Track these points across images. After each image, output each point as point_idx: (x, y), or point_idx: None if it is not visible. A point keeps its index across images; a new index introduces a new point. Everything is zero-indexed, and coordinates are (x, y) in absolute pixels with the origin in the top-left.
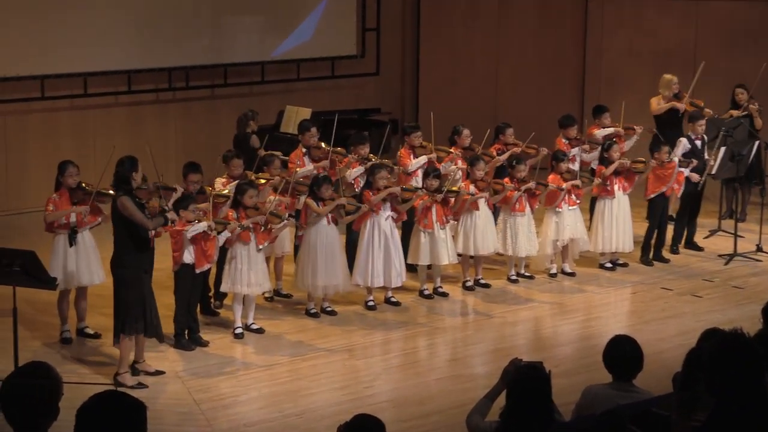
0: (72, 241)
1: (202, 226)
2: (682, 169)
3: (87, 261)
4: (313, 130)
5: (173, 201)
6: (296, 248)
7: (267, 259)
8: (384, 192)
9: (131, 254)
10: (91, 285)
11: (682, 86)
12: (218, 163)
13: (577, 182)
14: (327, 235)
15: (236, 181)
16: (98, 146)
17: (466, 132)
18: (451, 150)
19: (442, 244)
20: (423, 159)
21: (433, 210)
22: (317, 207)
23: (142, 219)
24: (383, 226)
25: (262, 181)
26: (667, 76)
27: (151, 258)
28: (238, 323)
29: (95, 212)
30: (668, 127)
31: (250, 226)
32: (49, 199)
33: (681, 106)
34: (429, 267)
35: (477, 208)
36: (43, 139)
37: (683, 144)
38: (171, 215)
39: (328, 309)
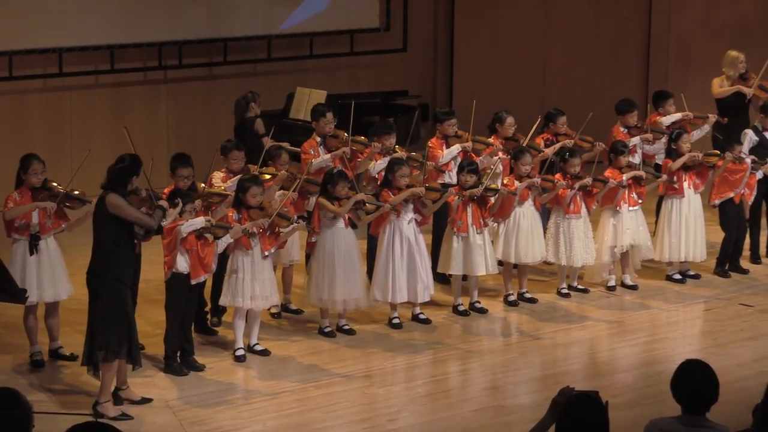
0: (33, 248)
1: (200, 221)
2: (754, 172)
3: (51, 272)
4: (329, 115)
5: (175, 214)
6: (307, 256)
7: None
8: (405, 193)
9: (114, 263)
10: (55, 301)
11: (756, 67)
12: (217, 155)
13: (640, 173)
14: (345, 240)
15: (236, 177)
16: (75, 135)
17: (509, 120)
18: (491, 141)
19: (478, 252)
20: (456, 148)
21: (469, 211)
22: (333, 206)
23: (141, 216)
24: (405, 231)
25: (267, 177)
26: (733, 53)
27: (137, 269)
28: (240, 343)
29: (60, 216)
30: (732, 113)
31: (254, 231)
32: (8, 197)
33: (748, 90)
34: (465, 278)
35: (525, 198)
36: (10, 126)
37: (749, 137)
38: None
39: (346, 327)
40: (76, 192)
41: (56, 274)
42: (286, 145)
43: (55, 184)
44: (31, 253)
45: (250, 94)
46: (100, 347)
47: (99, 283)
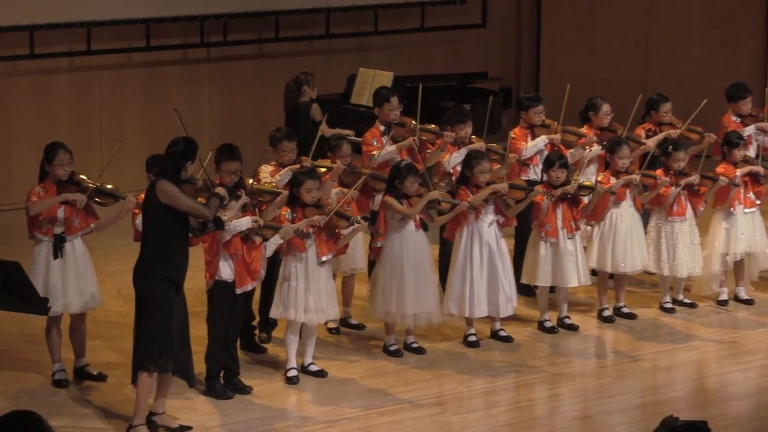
0: (58, 251)
1: (246, 222)
2: None
3: (77, 279)
4: (394, 100)
5: (237, 208)
6: (371, 264)
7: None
8: (486, 191)
9: (165, 260)
10: (82, 312)
11: None
12: (266, 146)
13: (757, 169)
14: (415, 244)
15: (285, 170)
16: (105, 121)
17: (605, 108)
18: (584, 131)
19: (569, 259)
20: (542, 140)
21: (558, 212)
22: (402, 206)
23: (195, 206)
24: (485, 234)
25: (322, 170)
26: None
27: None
28: (292, 363)
29: (89, 214)
30: None
31: (308, 231)
32: (31, 191)
33: None
34: (552, 290)
35: (623, 197)
36: (32, 111)
37: None
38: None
39: (414, 345)
40: (109, 186)
41: (83, 282)
42: (349, 133)
43: (83, 177)
44: (56, 257)
45: (303, 76)
46: (140, 354)
47: (145, 283)
